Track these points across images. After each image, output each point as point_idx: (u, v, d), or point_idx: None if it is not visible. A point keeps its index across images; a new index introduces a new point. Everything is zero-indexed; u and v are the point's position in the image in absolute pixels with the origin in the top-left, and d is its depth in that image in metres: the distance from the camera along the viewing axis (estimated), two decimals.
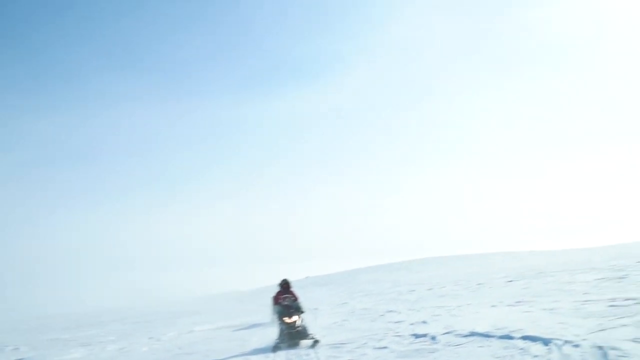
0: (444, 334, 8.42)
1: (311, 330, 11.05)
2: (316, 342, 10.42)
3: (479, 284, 20.08)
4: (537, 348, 6.14)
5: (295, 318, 11.16)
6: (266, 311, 19.29)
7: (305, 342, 10.56)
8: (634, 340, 5.77)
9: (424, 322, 10.55)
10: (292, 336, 10.94)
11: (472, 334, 7.86)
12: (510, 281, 19.42)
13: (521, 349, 6.25)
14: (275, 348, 10.55)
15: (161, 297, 71.03)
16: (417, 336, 8.69)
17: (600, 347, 5.53)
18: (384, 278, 34.25)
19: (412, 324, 10.52)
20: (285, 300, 12.01)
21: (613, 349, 5.40)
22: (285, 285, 12.80)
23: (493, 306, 12.05)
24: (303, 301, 12.16)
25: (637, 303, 9.00)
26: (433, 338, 8.16)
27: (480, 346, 6.89)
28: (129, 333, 19.08)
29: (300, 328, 11.07)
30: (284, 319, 11.22)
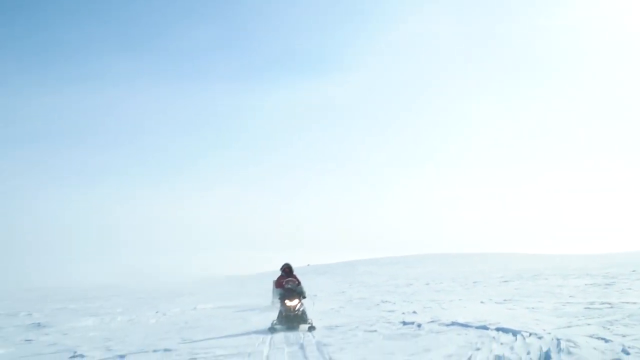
0: (429, 322, 9.46)
1: (309, 315, 11.46)
2: (312, 327, 10.72)
3: (475, 282, 21.14)
4: (506, 337, 7.14)
5: (296, 302, 11.53)
6: (266, 295, 20.45)
7: (302, 327, 10.96)
8: (590, 336, 6.75)
9: (414, 312, 11.57)
10: (290, 319, 11.29)
11: (454, 324, 8.89)
12: (506, 281, 20.47)
13: (492, 337, 7.25)
14: (272, 329, 10.84)
15: (161, 277, 72.49)
16: (405, 323, 9.71)
17: (558, 339, 6.51)
18: (381, 271, 35.40)
19: (403, 313, 11.53)
20: (288, 283, 12.39)
21: (568, 341, 6.37)
22: (287, 270, 13.19)
23: (482, 302, 13.06)
24: (305, 286, 12.60)
25: (610, 307, 9.98)
26: (419, 325, 9.18)
27: (458, 334, 7.91)
28: (134, 307, 20.26)
29: (299, 312, 11.42)
30: (285, 301, 11.57)
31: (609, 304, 10.47)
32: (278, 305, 12.17)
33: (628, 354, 5.57)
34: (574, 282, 17.78)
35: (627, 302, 10.58)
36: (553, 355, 5.77)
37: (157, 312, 16.84)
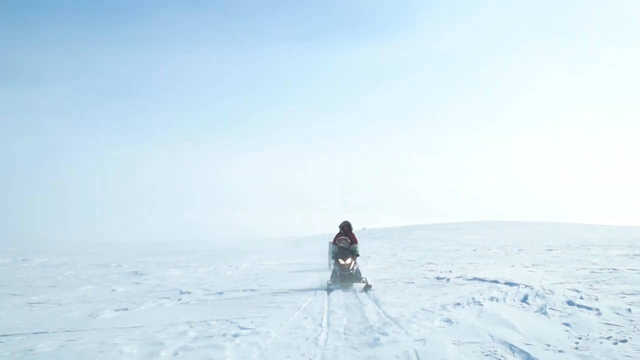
0: (456, 277, 12.38)
1: (363, 274, 12.30)
2: (368, 286, 11.25)
3: (520, 250, 23.50)
4: (507, 288, 9.96)
5: (349, 260, 12.09)
6: (323, 255, 23.77)
7: (357, 285, 11.71)
8: (568, 289, 9.44)
9: (450, 271, 14.41)
10: (344, 278, 11.88)
11: (474, 279, 11.78)
12: (549, 250, 22.67)
13: (497, 287, 10.09)
14: (328, 289, 11.32)
15: (221, 236, 78.25)
16: (438, 278, 12.64)
17: (543, 289, 9.29)
18: (436, 236, 38.04)
19: (440, 272, 14.40)
20: (342, 242, 12.72)
21: (549, 291, 9.13)
22: (346, 227, 13.24)
23: (512, 266, 15.65)
24: (360, 245, 13.29)
25: (611, 272, 12.44)
26: (447, 280, 12.11)
27: (474, 285, 10.79)
28: (208, 262, 24.15)
29: (353, 271, 11.99)
30: (339, 260, 12.16)
31: (615, 269, 12.93)
32: (333, 263, 12.65)
33: (582, 298, 8.30)
34: (611, 252, 19.88)
35: (634, 270, 12.99)
36: (530, 297, 8.58)
37: (230, 266, 20.53)
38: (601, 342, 5.36)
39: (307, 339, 6.05)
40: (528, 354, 4.99)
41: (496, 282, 10.96)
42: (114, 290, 12.85)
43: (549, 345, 5.32)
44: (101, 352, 5.69)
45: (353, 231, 13.34)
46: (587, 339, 5.54)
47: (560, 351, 5.08)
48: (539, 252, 21.55)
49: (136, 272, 18.53)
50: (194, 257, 28.47)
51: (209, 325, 7.26)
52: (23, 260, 25.13)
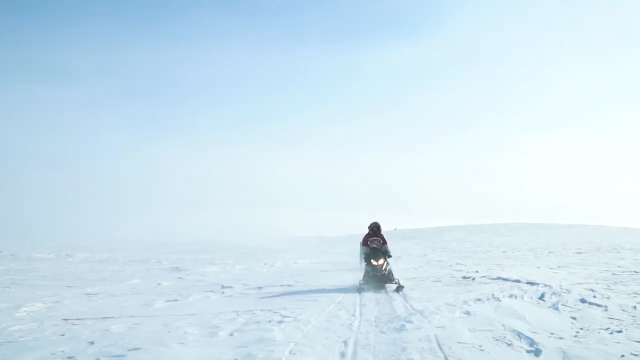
0: (481, 277, 13.27)
1: (396, 275, 12.62)
2: (400, 287, 11.50)
3: (550, 252, 24.04)
4: (527, 287, 10.82)
5: (381, 261, 12.24)
6: (354, 254, 24.78)
7: (389, 286, 11.96)
8: (585, 288, 10.24)
9: (477, 271, 15.25)
10: (377, 279, 12.01)
11: (498, 278, 12.65)
12: (579, 253, 23.15)
13: (518, 286, 10.96)
14: (360, 289, 11.61)
15: (251, 235, 79.97)
16: (464, 277, 13.54)
17: (561, 289, 10.14)
18: (468, 238, 38.62)
19: (467, 272, 15.25)
20: (374, 242, 12.91)
21: (566, 290, 9.97)
22: (375, 229, 13.38)
23: (537, 268, 16.37)
24: (390, 246, 13.50)
25: (632, 274, 13.14)
26: (473, 279, 13.01)
27: (497, 284, 11.67)
28: (243, 259, 25.42)
29: (385, 272, 12.14)
30: (371, 261, 12.28)
31: (637, 272, 13.60)
32: (364, 265, 12.79)
33: (595, 297, 9.12)
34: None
35: None
36: (546, 295, 9.44)
37: (265, 264, 21.74)
38: (599, 332, 6.25)
39: (342, 325, 7.10)
40: (532, 340, 5.92)
41: (518, 281, 11.82)
42: (159, 284, 14.09)
43: (552, 334, 6.24)
44: (168, 332, 6.85)
45: (382, 232, 13.58)
46: (588, 330, 6.43)
47: (560, 338, 6.00)
48: (568, 255, 22.02)
49: (177, 268, 19.86)
50: (228, 255, 29.78)
51: (254, 314, 8.37)
52: (67, 255, 26.86)
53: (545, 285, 10.77)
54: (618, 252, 22.14)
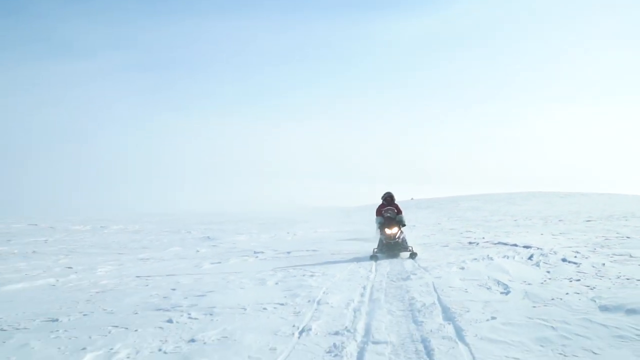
0: (484, 242, 15.36)
1: (409, 243, 13.49)
2: (414, 254, 12.26)
3: (560, 220, 25.78)
4: (521, 250, 12.86)
5: (395, 230, 12.97)
6: (371, 224, 26.87)
7: (403, 254, 12.80)
8: (572, 251, 12.27)
9: (483, 238, 17.32)
10: (390, 247, 12.76)
11: (499, 243, 14.72)
12: (588, 221, 24.74)
13: (514, 249, 13.02)
14: (373, 257, 12.32)
15: (271, 206, 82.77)
16: (470, 243, 15.64)
17: (550, 251, 12.17)
18: (483, 207, 40.56)
19: (474, 239, 17.30)
20: (388, 212, 13.67)
21: (554, 252, 12.00)
22: (388, 199, 14.10)
23: (541, 234, 18.31)
24: (406, 215, 14.52)
25: (622, 238, 15.05)
26: (477, 244, 15.09)
27: (497, 248, 13.73)
28: (266, 229, 27.77)
29: (399, 240, 12.88)
30: (385, 230, 13.00)
31: (628, 237, 15.53)
32: (379, 233, 13.51)
33: (575, 257, 11.14)
34: None
35: None
36: (535, 256, 11.48)
37: (288, 233, 24.05)
38: (561, 281, 8.31)
39: (361, 277, 9.33)
40: (507, 285, 8.01)
41: (515, 245, 13.87)
42: (198, 251, 16.40)
43: (525, 282, 8.31)
44: (227, 282, 9.09)
45: (396, 202, 14.40)
46: (553, 279, 8.49)
47: (529, 284, 8.08)
48: (577, 223, 23.48)
49: (208, 237, 22.24)
50: (250, 226, 32.17)
51: (289, 271, 10.57)
52: (101, 227, 29.45)
53: (538, 249, 12.79)
54: (627, 220, 23.12)
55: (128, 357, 4.71)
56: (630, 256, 11.00)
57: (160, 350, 4.91)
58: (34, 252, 16.23)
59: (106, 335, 5.49)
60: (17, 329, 5.90)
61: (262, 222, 37.31)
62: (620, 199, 41.54)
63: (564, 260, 10.66)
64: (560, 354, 4.58)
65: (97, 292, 8.45)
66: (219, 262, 12.85)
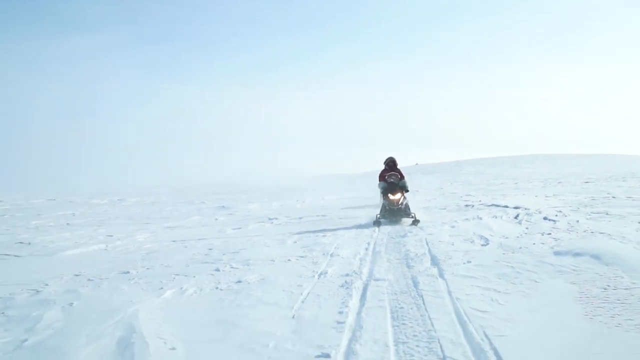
0: (479, 204, 17.18)
1: (412, 209, 13.96)
2: (417, 221, 12.60)
3: (559, 182, 27.21)
4: (510, 210, 14.66)
5: (398, 195, 13.39)
6: (375, 189, 28.57)
7: (406, 220, 13.29)
8: (556, 210, 14.07)
9: (480, 201, 19.10)
10: (393, 213, 13.21)
11: (492, 205, 16.52)
12: (587, 182, 25.81)
13: (504, 210, 14.84)
14: (376, 222, 12.88)
15: (276, 175, 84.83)
16: (466, 205, 17.45)
17: (536, 211, 13.97)
18: (487, 170, 42.29)
19: (472, 202, 19.10)
20: (391, 177, 13.94)
21: (538, 212, 13.82)
22: (390, 164, 14.49)
23: (535, 196, 20.04)
24: (409, 180, 15.24)
25: (607, 198, 16.78)
26: (472, 206, 16.90)
27: (489, 209, 15.53)
28: (276, 198, 29.68)
29: (402, 206, 13.29)
30: (388, 195, 13.41)
31: (614, 197, 17.24)
32: (382, 198, 13.87)
33: (556, 216, 12.94)
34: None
35: (630, 197, 17.21)
36: (520, 216, 13.29)
37: (297, 201, 25.94)
38: (535, 235, 10.13)
39: (366, 236, 11.28)
40: (487, 239, 9.85)
41: (506, 207, 15.67)
42: (217, 219, 18.28)
43: (503, 236, 10.15)
44: (253, 243, 11.02)
45: (399, 167, 14.85)
46: (529, 234, 10.31)
47: (506, 238, 9.91)
48: (575, 184, 24.29)
49: (223, 207, 24.15)
50: (260, 195, 34.09)
51: (303, 233, 12.46)
52: (119, 200, 31.46)
53: (525, 209, 14.58)
54: (624, 181, 24.26)
55: (195, 292, 6.62)
56: (607, 214, 12.69)
57: (217, 288, 6.82)
58: (67, 224, 18.18)
59: (173, 279, 7.43)
60: (102, 279, 7.82)
61: (271, 191, 39.27)
62: (623, 160, 43.02)
63: (545, 218, 12.37)
64: (512, 283, 6.45)
65: (147, 254, 10.38)
66: (240, 228, 14.72)
